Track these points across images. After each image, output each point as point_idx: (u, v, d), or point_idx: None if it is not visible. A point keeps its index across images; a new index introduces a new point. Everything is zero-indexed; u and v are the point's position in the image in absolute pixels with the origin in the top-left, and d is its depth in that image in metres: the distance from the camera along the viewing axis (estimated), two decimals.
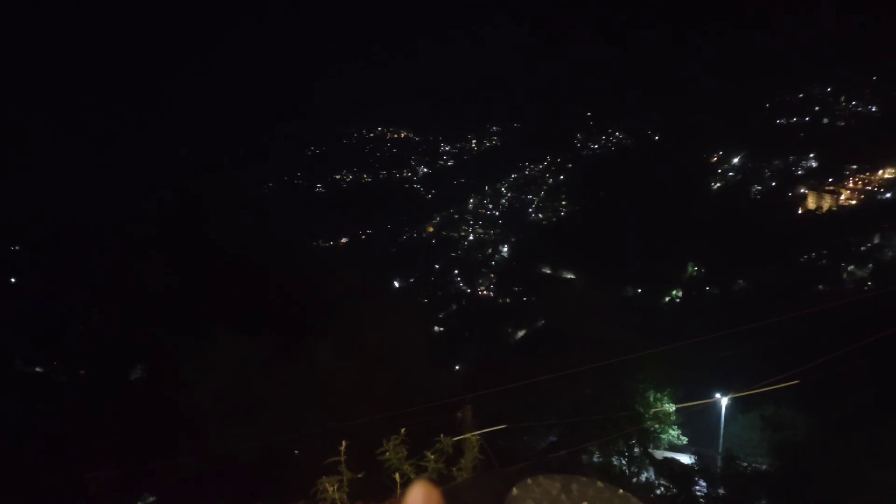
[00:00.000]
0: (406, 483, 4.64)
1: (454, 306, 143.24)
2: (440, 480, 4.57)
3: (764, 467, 23.48)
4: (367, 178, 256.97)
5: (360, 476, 4.59)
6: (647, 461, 28.81)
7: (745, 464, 22.50)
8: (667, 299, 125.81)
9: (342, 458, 4.47)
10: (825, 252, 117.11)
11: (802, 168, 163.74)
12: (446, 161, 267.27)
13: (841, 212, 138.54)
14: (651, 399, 29.61)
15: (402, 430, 4.82)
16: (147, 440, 19.66)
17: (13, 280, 35.15)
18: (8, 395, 25.85)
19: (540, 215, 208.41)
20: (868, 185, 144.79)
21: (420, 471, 4.62)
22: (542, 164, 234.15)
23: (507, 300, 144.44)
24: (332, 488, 4.37)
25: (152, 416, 20.81)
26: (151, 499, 17.59)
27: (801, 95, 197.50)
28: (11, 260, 35.50)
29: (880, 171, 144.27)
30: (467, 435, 5.16)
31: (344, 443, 4.50)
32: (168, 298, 25.85)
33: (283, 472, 18.08)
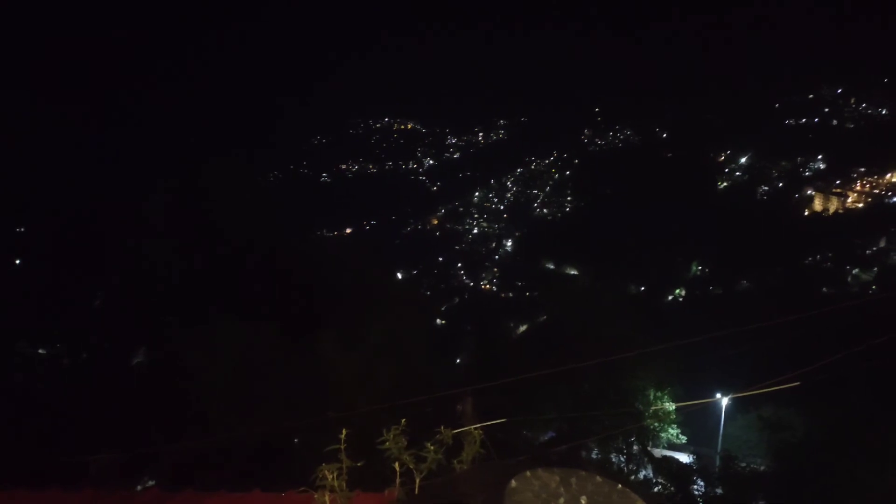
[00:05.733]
0: (405, 473, 4.67)
1: (457, 299, 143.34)
2: (439, 471, 4.59)
3: (762, 468, 23.48)
4: (373, 168, 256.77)
5: (359, 464, 4.62)
6: (646, 459, 28.86)
7: (743, 464, 22.49)
8: (670, 298, 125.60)
9: (342, 447, 4.49)
10: (830, 254, 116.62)
11: (810, 169, 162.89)
12: (452, 154, 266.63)
13: (847, 214, 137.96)
14: (651, 397, 29.64)
15: (403, 420, 4.83)
16: (148, 424, 19.82)
17: (18, 262, 35.32)
18: (10, 376, 26.05)
19: (545, 210, 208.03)
20: (875, 188, 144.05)
21: (420, 461, 4.63)
22: (549, 158, 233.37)
23: (510, 294, 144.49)
24: (331, 476, 4.40)
25: (154, 401, 20.97)
26: (151, 482, 17.72)
27: (810, 96, 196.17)
28: (16, 241, 35.63)
29: (888, 175, 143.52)
30: (468, 428, 5.16)
31: (344, 431, 4.52)
32: (172, 284, 25.96)
33: (283, 458, 18.20)
